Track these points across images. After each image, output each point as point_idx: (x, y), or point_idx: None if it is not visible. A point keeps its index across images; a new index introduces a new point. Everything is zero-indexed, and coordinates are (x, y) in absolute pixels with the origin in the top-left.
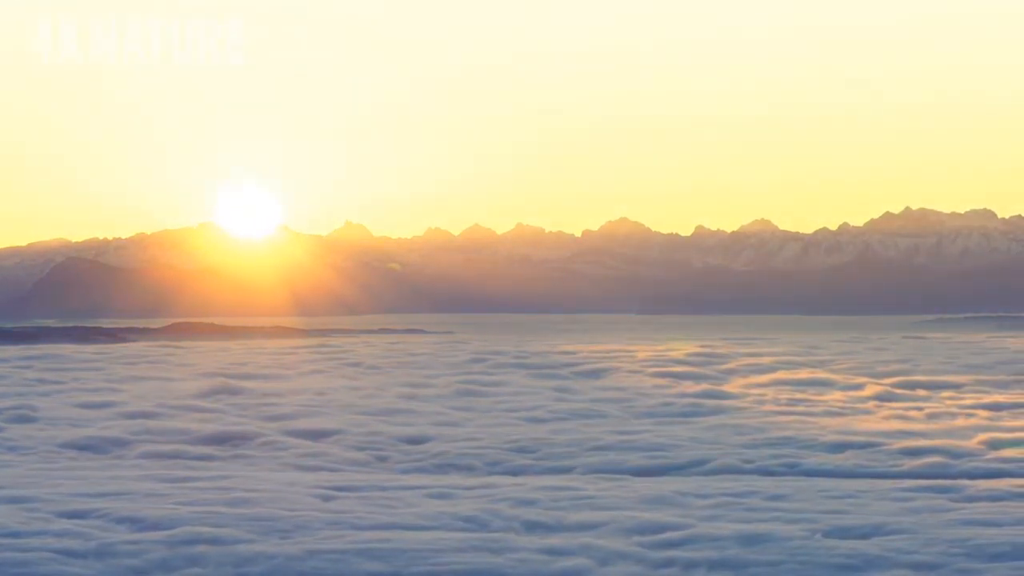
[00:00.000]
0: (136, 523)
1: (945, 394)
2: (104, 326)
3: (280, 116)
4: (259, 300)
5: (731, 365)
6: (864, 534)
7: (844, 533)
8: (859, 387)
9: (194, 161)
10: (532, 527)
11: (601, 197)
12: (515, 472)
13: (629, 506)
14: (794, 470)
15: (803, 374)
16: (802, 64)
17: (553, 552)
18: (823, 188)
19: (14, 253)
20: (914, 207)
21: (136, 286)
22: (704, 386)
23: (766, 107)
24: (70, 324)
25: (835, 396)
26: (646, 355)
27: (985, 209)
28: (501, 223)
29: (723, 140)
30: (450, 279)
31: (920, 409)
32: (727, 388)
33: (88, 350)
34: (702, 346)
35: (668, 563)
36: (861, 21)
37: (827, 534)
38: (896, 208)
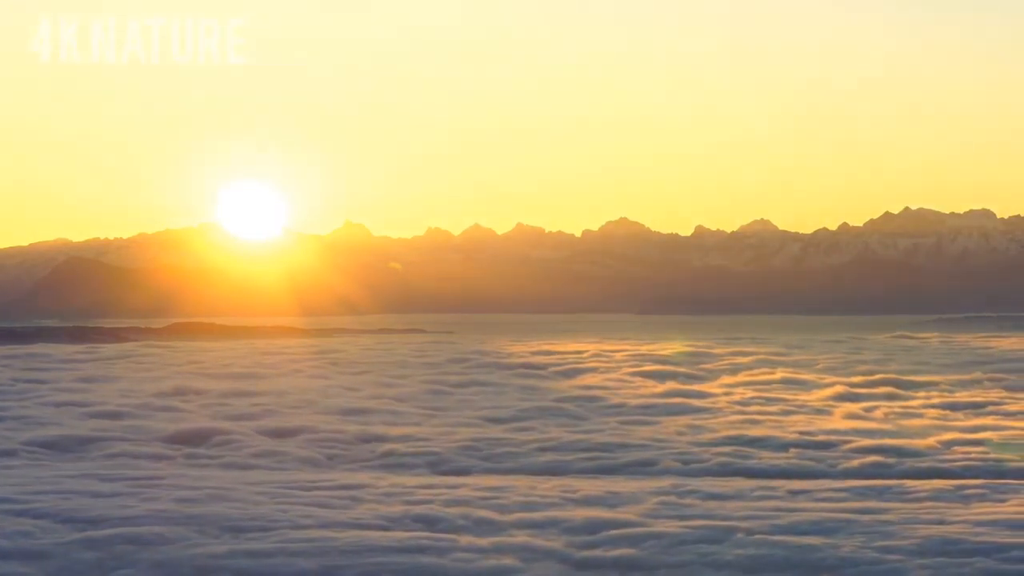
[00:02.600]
0: (78, 523)
1: (910, 394)
2: (104, 326)
3: (280, 116)
4: (262, 300)
5: (710, 365)
6: (783, 535)
7: (765, 533)
8: (827, 387)
9: (194, 161)
10: (469, 527)
11: (601, 197)
12: (460, 472)
13: (569, 506)
14: (739, 470)
15: (777, 374)
16: (803, 64)
17: (483, 551)
18: (823, 188)
19: (15, 253)
20: (913, 207)
21: (138, 286)
22: (673, 385)
23: (766, 107)
24: (70, 324)
25: (801, 396)
26: (629, 354)
27: (984, 209)
28: (501, 223)
29: (723, 140)
30: (450, 279)
31: (881, 409)
32: (697, 388)
33: (72, 350)
34: (688, 346)
35: (587, 564)
36: (862, 22)
37: (749, 534)
38: (896, 208)
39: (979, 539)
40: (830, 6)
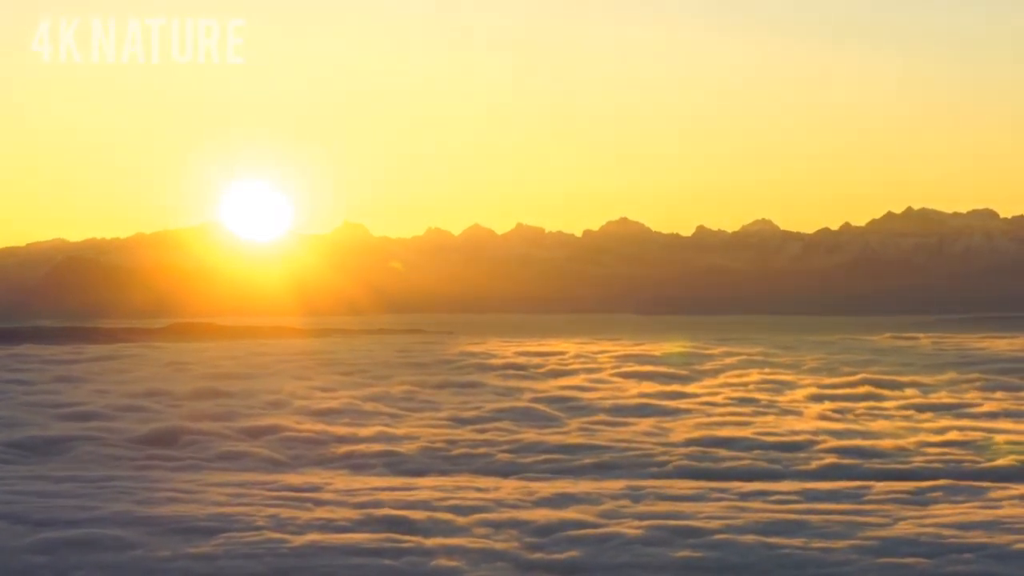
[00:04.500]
0: (33, 525)
1: (887, 394)
2: (101, 327)
3: (280, 116)
4: (262, 300)
5: (696, 366)
6: (729, 535)
7: (711, 535)
8: (804, 388)
9: (194, 161)
10: (427, 528)
11: (601, 197)
12: (420, 472)
13: (526, 507)
14: (699, 472)
15: (758, 375)
16: (803, 64)
17: (429, 554)
18: (824, 188)
19: (13, 253)
20: (916, 207)
21: (138, 286)
22: (650, 386)
23: (767, 107)
24: (66, 325)
25: (776, 397)
26: (617, 355)
27: (987, 209)
28: (501, 223)
29: (724, 140)
30: (450, 279)
31: (853, 410)
32: (675, 388)
33: (58, 350)
34: (680, 346)
35: (533, 566)
36: (864, 21)
37: (694, 536)
38: (898, 208)
39: (926, 540)
40: (833, 6)
